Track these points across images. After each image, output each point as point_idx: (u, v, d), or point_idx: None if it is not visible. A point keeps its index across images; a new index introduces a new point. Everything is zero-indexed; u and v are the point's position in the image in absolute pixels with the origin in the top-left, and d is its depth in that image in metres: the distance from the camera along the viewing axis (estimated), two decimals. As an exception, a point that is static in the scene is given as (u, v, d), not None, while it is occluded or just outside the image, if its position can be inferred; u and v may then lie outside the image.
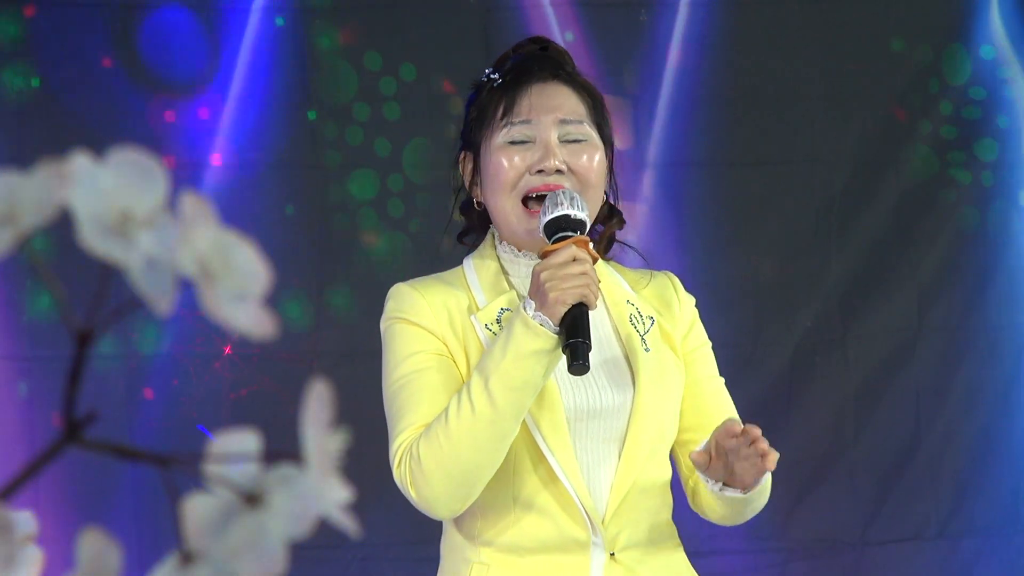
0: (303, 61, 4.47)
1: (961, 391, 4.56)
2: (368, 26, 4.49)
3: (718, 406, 2.56)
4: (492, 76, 2.54)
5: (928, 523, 4.53)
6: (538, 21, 4.50)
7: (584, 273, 2.31)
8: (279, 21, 4.46)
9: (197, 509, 0.80)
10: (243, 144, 4.43)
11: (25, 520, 0.95)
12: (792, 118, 4.56)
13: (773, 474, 4.52)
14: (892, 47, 4.58)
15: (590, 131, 2.51)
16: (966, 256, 4.58)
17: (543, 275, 2.32)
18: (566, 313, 2.30)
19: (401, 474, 2.37)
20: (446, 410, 2.34)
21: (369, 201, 4.47)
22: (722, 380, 2.61)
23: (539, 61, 2.54)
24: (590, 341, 2.30)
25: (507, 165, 2.47)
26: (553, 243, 2.37)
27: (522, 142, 2.49)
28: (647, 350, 2.47)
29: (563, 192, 2.41)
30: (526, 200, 2.47)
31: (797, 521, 4.50)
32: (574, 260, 2.32)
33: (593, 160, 2.49)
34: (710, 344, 2.61)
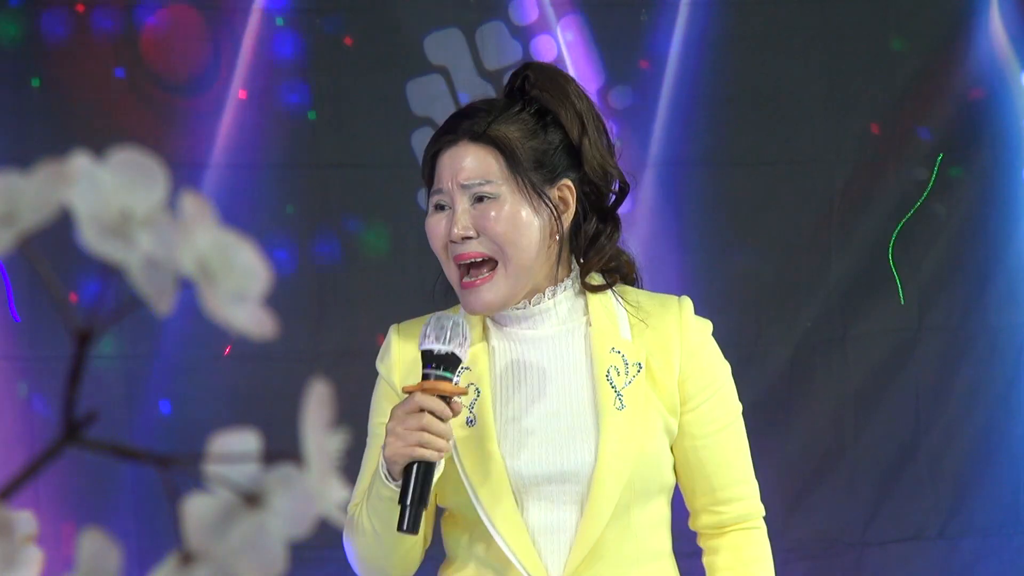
0: (303, 61, 4.47)
1: (961, 391, 4.56)
2: (368, 26, 4.49)
3: (723, 462, 2.51)
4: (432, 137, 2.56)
5: (928, 523, 4.52)
6: (538, 21, 4.50)
7: (421, 428, 2.29)
8: (279, 21, 4.46)
9: (197, 509, 0.80)
10: (243, 144, 4.43)
11: (25, 520, 0.95)
12: (792, 118, 4.56)
13: (775, 473, 4.50)
14: (892, 47, 4.58)
15: (494, 188, 2.44)
16: (966, 256, 4.58)
17: (388, 426, 2.33)
18: (405, 468, 2.31)
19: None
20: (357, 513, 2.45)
21: (369, 201, 4.47)
22: (736, 422, 2.54)
23: (452, 122, 2.51)
24: (424, 499, 2.29)
25: (434, 235, 2.47)
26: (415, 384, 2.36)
27: (443, 208, 2.47)
28: (621, 408, 2.41)
29: (435, 320, 2.36)
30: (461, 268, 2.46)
31: (797, 521, 4.50)
32: (419, 411, 2.30)
33: (503, 217, 2.43)
34: (727, 377, 2.54)
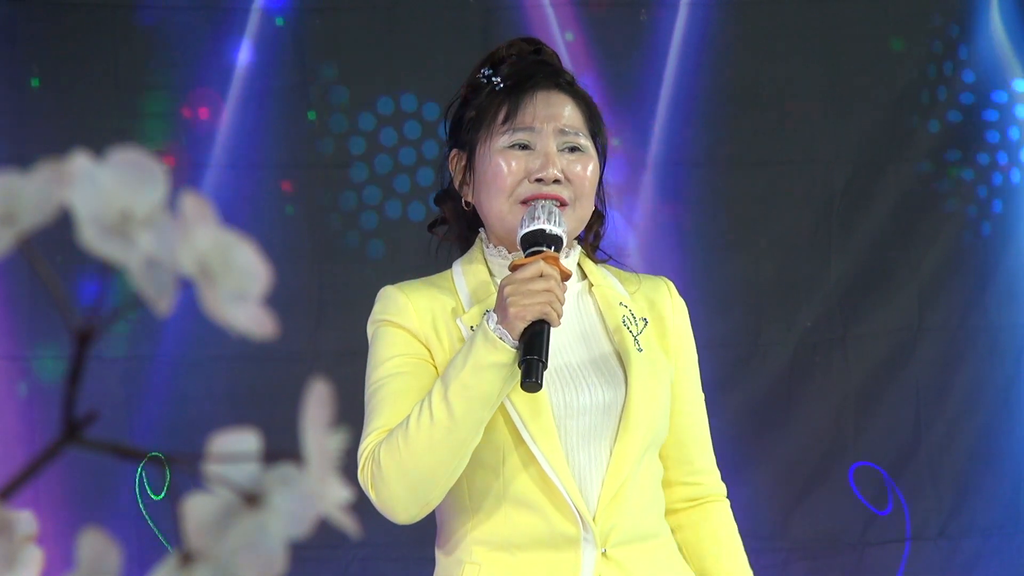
0: (303, 61, 4.47)
1: (961, 391, 4.56)
2: (368, 26, 4.49)
3: (697, 432, 2.61)
4: (493, 79, 2.55)
5: (928, 523, 4.52)
6: (538, 21, 4.50)
7: (548, 290, 2.32)
8: (279, 21, 4.46)
9: (197, 509, 0.80)
10: (243, 144, 4.43)
11: (25, 520, 0.95)
12: (792, 118, 4.56)
13: (776, 473, 4.50)
14: (892, 47, 4.58)
15: (586, 142, 2.53)
16: (966, 256, 4.58)
17: (507, 289, 2.34)
18: (525, 329, 2.32)
19: (364, 476, 2.41)
20: (408, 416, 2.37)
21: (369, 201, 4.47)
22: (702, 397, 2.64)
23: (541, 67, 2.56)
24: (547, 360, 2.31)
25: (507, 170, 2.49)
26: (527, 255, 2.39)
27: (523, 147, 2.50)
28: (640, 350, 2.49)
29: (542, 205, 2.43)
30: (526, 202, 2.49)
31: (797, 521, 4.50)
32: (540, 276, 2.33)
33: (587, 170, 2.51)
34: (696, 358, 2.64)
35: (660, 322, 2.56)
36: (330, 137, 4.47)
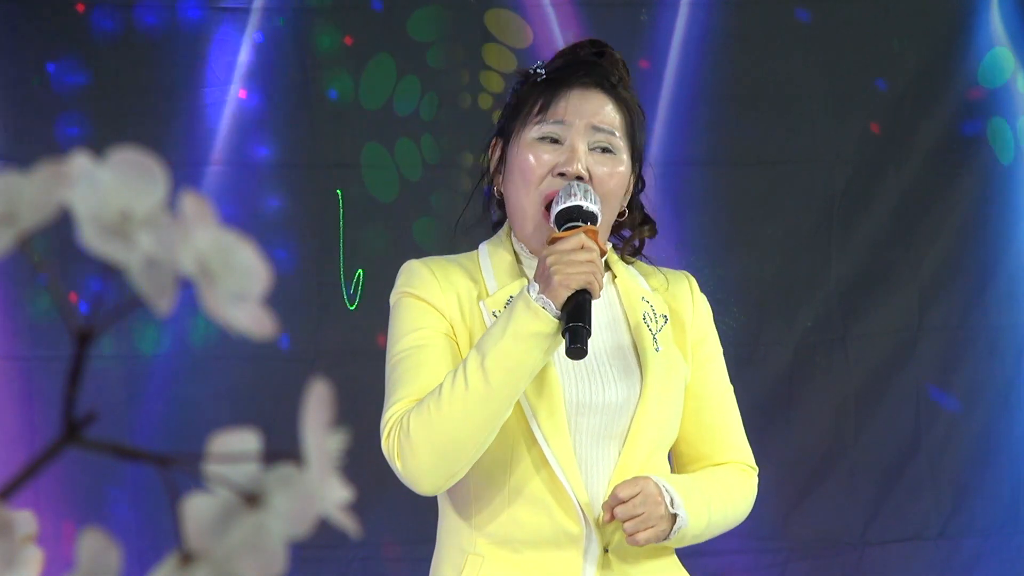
0: (303, 61, 4.47)
1: (961, 391, 4.56)
2: (368, 25, 4.49)
3: (723, 421, 2.61)
4: (539, 71, 2.56)
5: (928, 523, 4.52)
6: (538, 21, 4.50)
7: (590, 261, 2.33)
8: (279, 21, 4.46)
9: (197, 509, 0.80)
10: (243, 144, 4.43)
11: (25, 520, 0.95)
12: (792, 118, 4.56)
13: (776, 473, 4.50)
14: (892, 47, 4.58)
15: (620, 143, 2.52)
16: (966, 256, 4.58)
17: (549, 259, 2.33)
18: (569, 298, 2.32)
19: (389, 445, 2.39)
20: (440, 384, 2.36)
21: (369, 200, 4.47)
22: (731, 390, 2.64)
23: (587, 66, 2.55)
24: (590, 327, 2.31)
25: (533, 162, 2.49)
26: (563, 231, 2.39)
27: (552, 140, 2.50)
28: (658, 349, 2.49)
29: (577, 184, 2.44)
30: (548, 205, 2.48)
31: (797, 521, 4.50)
32: (582, 248, 2.34)
33: (615, 171, 2.50)
34: (721, 352, 2.63)
35: (679, 320, 2.56)
36: (330, 136, 4.47)
